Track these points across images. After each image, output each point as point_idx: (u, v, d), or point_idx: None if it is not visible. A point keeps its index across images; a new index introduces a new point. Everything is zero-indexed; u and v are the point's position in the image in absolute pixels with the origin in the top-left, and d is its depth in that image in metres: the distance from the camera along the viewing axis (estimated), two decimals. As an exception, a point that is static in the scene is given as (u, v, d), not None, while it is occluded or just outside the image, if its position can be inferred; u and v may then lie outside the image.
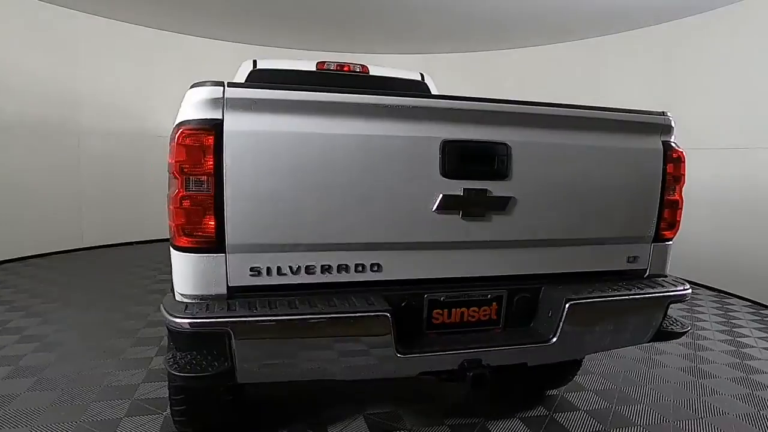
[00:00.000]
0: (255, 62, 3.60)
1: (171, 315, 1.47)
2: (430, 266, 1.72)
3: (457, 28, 6.75)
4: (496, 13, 6.00)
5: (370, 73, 3.81)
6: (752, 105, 4.95)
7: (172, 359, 1.50)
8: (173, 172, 1.51)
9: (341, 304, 1.53)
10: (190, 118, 1.48)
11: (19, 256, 5.91)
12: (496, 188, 1.70)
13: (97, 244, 6.79)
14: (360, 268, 1.64)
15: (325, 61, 3.71)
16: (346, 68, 3.74)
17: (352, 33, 7.40)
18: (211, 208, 1.49)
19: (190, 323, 1.44)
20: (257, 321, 1.45)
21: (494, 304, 1.80)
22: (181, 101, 1.56)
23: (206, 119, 1.47)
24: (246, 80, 3.54)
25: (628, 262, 1.97)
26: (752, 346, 3.69)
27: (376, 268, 1.66)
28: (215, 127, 1.47)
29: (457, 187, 1.66)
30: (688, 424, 2.55)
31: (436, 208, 1.65)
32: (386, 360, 1.59)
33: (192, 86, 1.51)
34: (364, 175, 1.59)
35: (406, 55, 8.08)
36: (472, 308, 1.77)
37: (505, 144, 1.70)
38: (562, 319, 1.72)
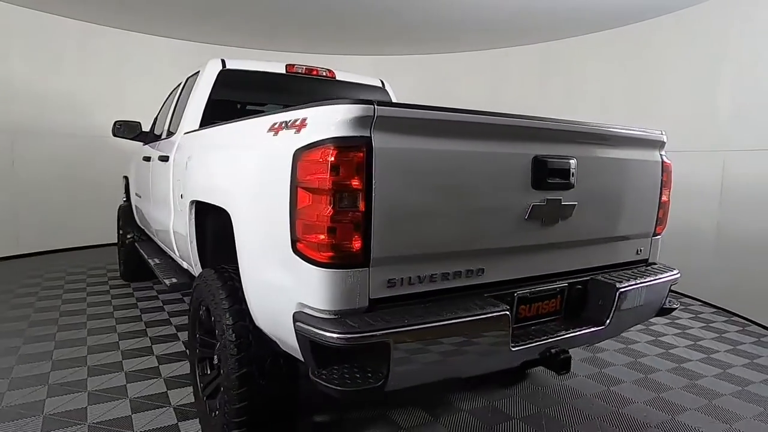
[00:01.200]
0: (224, 62, 3.42)
1: (323, 330, 1.47)
2: (518, 267, 1.94)
3: (408, 30, 6.85)
4: (451, 15, 6.09)
5: (337, 78, 3.85)
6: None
7: (328, 374, 1.50)
8: (318, 189, 1.50)
9: (472, 307, 1.67)
10: (341, 135, 1.49)
11: None
12: (566, 197, 1.98)
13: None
14: (469, 273, 1.80)
15: (294, 64, 3.66)
16: (314, 72, 3.74)
17: (306, 34, 7.28)
18: (360, 225, 1.52)
19: (349, 337, 1.46)
20: (414, 329, 1.53)
21: (558, 296, 2.08)
22: (314, 116, 1.56)
23: (357, 137, 1.50)
24: (215, 80, 3.35)
25: (636, 253, 2.40)
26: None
27: (480, 273, 1.82)
28: (366, 145, 1.50)
29: (542, 198, 1.90)
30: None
31: (528, 217, 1.88)
32: (503, 353, 1.77)
33: (339, 103, 1.52)
34: (478, 189, 1.75)
35: (357, 56, 8.13)
36: (544, 302, 2.03)
37: (574, 158, 1.98)
38: (614, 305, 2.07)
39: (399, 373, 1.56)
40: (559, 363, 1.90)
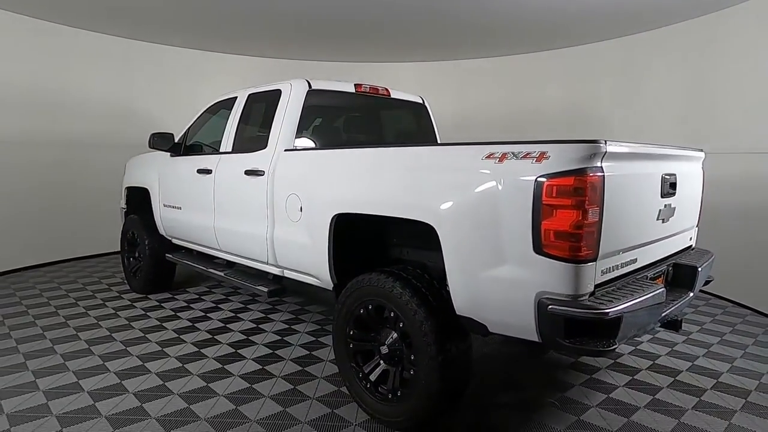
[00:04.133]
0: (309, 83, 3.72)
1: (582, 310, 2.02)
2: (649, 255, 2.63)
3: (451, 35, 6.94)
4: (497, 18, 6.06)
5: (391, 96, 4.29)
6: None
7: (574, 341, 2.07)
8: (567, 206, 2.04)
9: (649, 286, 2.32)
10: (583, 167, 2.05)
11: None
12: (673, 202, 2.71)
13: None
14: (631, 262, 2.44)
15: (361, 84, 4.04)
16: (377, 91, 4.15)
17: (342, 43, 7.40)
18: (595, 231, 2.09)
19: (603, 313, 2.02)
20: (635, 305, 2.13)
21: (663, 275, 2.81)
22: (556, 151, 2.09)
23: (595, 167, 2.07)
24: (305, 100, 3.66)
25: (689, 240, 3.22)
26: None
27: (634, 261, 2.48)
28: (600, 173, 2.08)
29: (665, 203, 2.61)
30: (664, 339, 4.03)
31: (657, 218, 2.57)
32: (659, 315, 2.45)
33: (580, 142, 2.07)
34: (642, 198, 2.42)
35: (398, 63, 8.38)
36: (658, 279, 2.75)
37: (676, 173, 2.72)
38: (697, 279, 2.84)
39: (620, 336, 2.15)
40: (677, 323, 2.66)
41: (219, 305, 4.98)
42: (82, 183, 6.94)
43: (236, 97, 4.27)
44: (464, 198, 2.38)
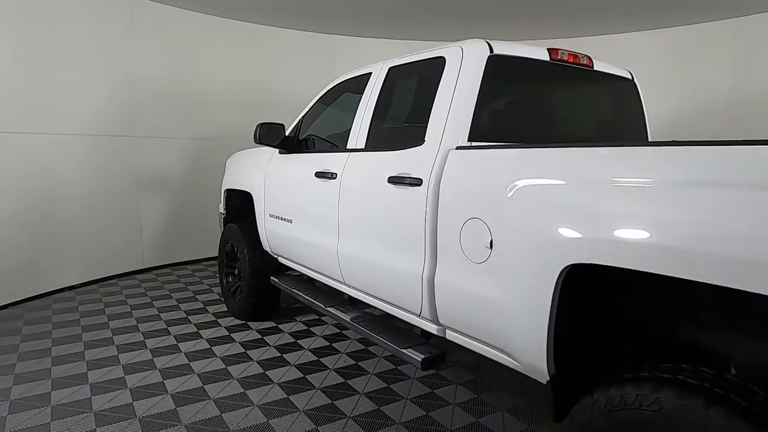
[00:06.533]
0: (490, 46, 2.44)
1: None
2: None
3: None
4: None
5: (594, 68, 2.89)
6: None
7: None
8: None
9: None
10: None
11: None
12: None
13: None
14: None
15: (558, 49, 2.69)
16: (577, 59, 2.78)
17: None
18: None
19: None
20: None
21: None
22: None
23: None
24: (484, 71, 2.39)
25: None
26: None
27: None
28: None
29: None
30: None
31: None
32: None
33: None
34: None
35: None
36: None
37: None
38: None
39: None
40: None
41: (333, 345, 3.89)
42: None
43: (370, 74, 3.10)
44: None
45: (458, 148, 2.28)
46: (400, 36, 7.00)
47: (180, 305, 4.81)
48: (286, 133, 3.68)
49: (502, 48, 2.47)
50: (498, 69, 2.44)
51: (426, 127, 2.46)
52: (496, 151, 2.14)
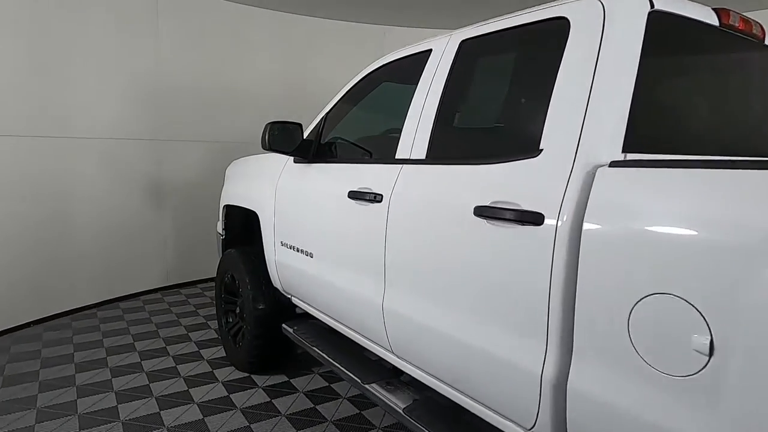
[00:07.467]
0: (651, 1, 1.51)
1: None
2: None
3: None
4: None
5: (766, 41, 1.96)
6: None
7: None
8: None
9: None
10: None
11: None
12: None
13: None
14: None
15: (729, 11, 1.75)
16: (750, 28, 1.85)
17: None
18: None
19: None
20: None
21: None
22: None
23: None
24: (644, 36, 1.45)
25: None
26: None
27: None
28: None
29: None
30: None
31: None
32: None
33: None
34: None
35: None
36: None
37: None
38: None
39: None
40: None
41: (363, 413, 2.96)
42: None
43: (428, 52, 2.16)
44: None
45: (613, 165, 1.34)
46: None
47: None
48: (304, 136, 2.76)
49: (666, 3, 1.54)
50: (663, 35, 1.51)
51: (542, 128, 1.53)
52: (715, 172, 1.19)
